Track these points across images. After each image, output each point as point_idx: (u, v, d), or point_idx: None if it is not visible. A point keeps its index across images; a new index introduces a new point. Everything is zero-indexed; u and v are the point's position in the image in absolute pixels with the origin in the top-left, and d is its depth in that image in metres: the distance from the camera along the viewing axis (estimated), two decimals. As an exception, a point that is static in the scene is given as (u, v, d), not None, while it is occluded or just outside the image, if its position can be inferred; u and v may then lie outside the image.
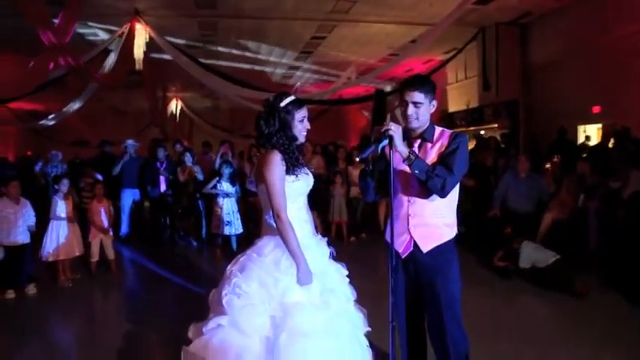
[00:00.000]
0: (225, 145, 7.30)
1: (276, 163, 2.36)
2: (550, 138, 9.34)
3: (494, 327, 3.83)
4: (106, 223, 5.60)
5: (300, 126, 2.48)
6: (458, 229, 2.56)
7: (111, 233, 5.72)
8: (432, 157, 2.47)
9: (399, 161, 2.43)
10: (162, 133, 14.83)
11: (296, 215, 2.42)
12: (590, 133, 9.81)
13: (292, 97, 2.49)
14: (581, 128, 10.08)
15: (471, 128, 12.50)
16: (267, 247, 2.41)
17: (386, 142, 2.30)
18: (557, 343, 3.55)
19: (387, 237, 2.51)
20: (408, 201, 2.50)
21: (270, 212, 2.39)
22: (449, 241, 2.47)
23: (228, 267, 2.45)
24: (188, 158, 6.95)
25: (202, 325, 2.36)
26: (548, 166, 6.83)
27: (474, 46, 11.62)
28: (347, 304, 2.46)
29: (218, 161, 6.91)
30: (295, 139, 2.47)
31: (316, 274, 2.34)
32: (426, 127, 2.50)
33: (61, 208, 5.30)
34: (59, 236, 5.23)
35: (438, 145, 2.48)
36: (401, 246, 2.50)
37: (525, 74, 11.27)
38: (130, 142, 7.27)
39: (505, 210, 5.84)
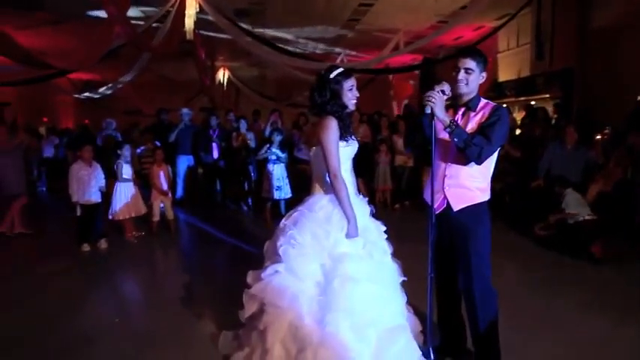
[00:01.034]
0: (275, 114, 7.67)
1: (333, 128, 2.68)
2: (606, 109, 9.11)
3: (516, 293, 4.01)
4: (165, 186, 6.13)
5: (350, 94, 2.78)
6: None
7: (170, 196, 6.26)
8: (472, 125, 2.70)
9: (440, 128, 2.69)
10: (211, 102, 15.43)
11: (345, 178, 2.74)
12: (650, 104, 9.44)
13: (341, 69, 2.81)
14: (640, 99, 9.71)
15: (521, 98, 12.24)
16: (319, 203, 2.75)
17: (428, 110, 2.55)
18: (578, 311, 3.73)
19: (426, 196, 2.82)
20: (446, 163, 2.77)
21: (324, 173, 2.73)
22: (480, 204, 2.71)
23: (282, 221, 2.81)
24: (243, 125, 7.36)
25: (260, 272, 2.76)
26: (598, 137, 6.78)
27: (528, 11, 11.27)
28: (385, 257, 2.79)
29: (268, 129, 7.30)
30: (345, 107, 2.78)
31: (360, 228, 2.68)
32: (472, 96, 2.73)
33: (127, 170, 5.87)
34: (126, 196, 5.82)
35: (479, 115, 2.71)
36: (435, 203, 2.78)
37: (582, 41, 10.86)
38: (185, 110, 7.78)
39: (549, 181, 5.91)
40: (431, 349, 2.79)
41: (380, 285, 2.63)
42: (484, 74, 2.73)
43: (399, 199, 7.56)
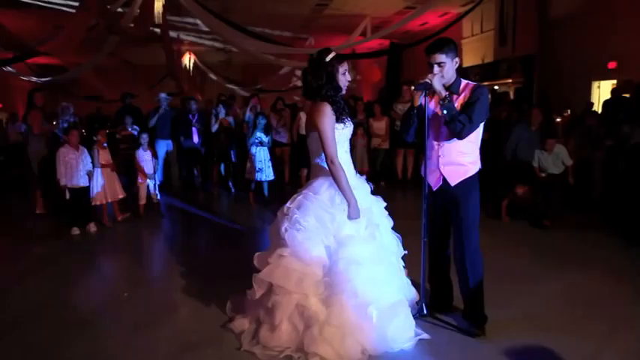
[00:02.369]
0: (254, 99, 7.89)
1: (328, 113, 2.89)
2: (563, 94, 9.81)
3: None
4: (150, 170, 6.29)
5: (343, 78, 3.02)
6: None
7: (155, 179, 6.42)
8: (457, 107, 3.07)
9: (431, 111, 3.07)
10: (177, 87, 15.34)
11: (344, 158, 3.00)
12: (604, 89, 10.26)
13: (334, 53, 2.99)
14: (595, 84, 10.52)
15: (485, 83, 12.86)
16: (322, 186, 2.99)
17: (428, 81, 2.90)
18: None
19: (422, 172, 3.21)
20: (438, 144, 3.14)
21: (322, 157, 2.96)
22: (473, 175, 3.11)
23: (287, 204, 3.03)
24: (221, 110, 7.55)
25: (267, 256, 3.02)
26: (558, 119, 7.40)
27: (491, -1, 11.86)
28: (387, 234, 3.12)
29: (248, 113, 7.54)
30: (340, 89, 3.01)
31: (363, 209, 2.94)
32: (452, 81, 3.08)
33: (103, 156, 5.95)
34: (102, 182, 5.92)
35: (462, 96, 3.08)
36: (432, 181, 3.17)
37: (543, 29, 11.55)
38: (163, 95, 7.89)
39: (515, 161, 6.45)
40: (424, 304, 3.23)
41: (381, 265, 2.95)
42: (457, 59, 3.06)
43: (374, 180, 7.97)
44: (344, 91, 3.06)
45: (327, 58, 2.94)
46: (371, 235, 2.97)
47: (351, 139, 7.78)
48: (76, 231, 5.59)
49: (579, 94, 9.85)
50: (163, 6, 10.97)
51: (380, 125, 7.76)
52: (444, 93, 2.96)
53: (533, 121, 6.32)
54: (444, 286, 3.43)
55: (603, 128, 6.30)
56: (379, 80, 17.46)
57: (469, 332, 3.10)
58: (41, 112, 6.71)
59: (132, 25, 9.94)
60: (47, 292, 4.01)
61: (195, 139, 7.71)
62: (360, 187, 3.07)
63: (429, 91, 3.01)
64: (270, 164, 6.84)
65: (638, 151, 5.63)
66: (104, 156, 5.87)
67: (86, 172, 5.65)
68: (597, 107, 9.86)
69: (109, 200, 5.94)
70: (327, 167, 2.95)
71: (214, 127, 7.59)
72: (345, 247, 2.86)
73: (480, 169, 3.16)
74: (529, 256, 4.65)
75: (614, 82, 10.00)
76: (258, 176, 6.72)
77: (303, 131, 7.74)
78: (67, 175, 5.50)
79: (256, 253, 3.15)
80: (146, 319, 3.46)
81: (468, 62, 14.04)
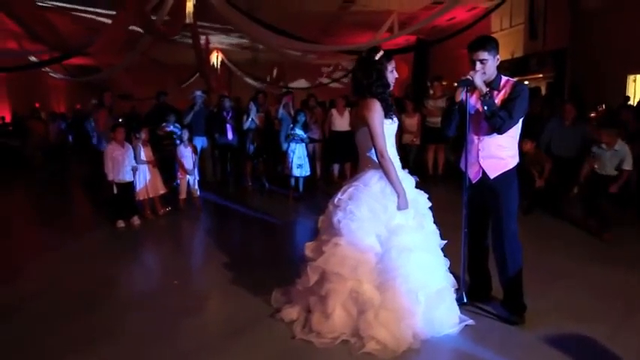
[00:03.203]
0: (287, 96, 8.09)
1: (378, 110, 3.08)
2: (597, 88, 9.73)
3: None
4: (191, 165, 6.56)
5: (391, 76, 3.20)
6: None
7: (196, 174, 6.69)
8: (497, 102, 3.21)
9: (472, 107, 3.21)
10: (206, 85, 15.71)
11: (391, 152, 3.18)
12: None
13: (382, 51, 3.18)
14: (630, 78, 10.38)
15: (515, 78, 12.79)
16: (373, 178, 3.17)
17: (470, 77, 3.05)
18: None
19: (461, 165, 3.35)
20: (478, 138, 3.29)
21: (372, 150, 3.15)
22: (512, 169, 3.25)
23: (338, 196, 3.22)
24: (253, 108, 7.78)
25: (321, 245, 3.19)
26: (593, 114, 7.39)
27: (520, -8, 11.80)
28: (431, 225, 3.27)
29: (281, 111, 7.75)
30: (389, 86, 3.19)
31: (410, 200, 3.12)
32: (493, 77, 3.23)
33: (146, 153, 6.24)
34: (145, 178, 6.18)
35: (502, 92, 3.23)
36: (472, 173, 3.31)
37: (574, 22, 11.44)
38: (198, 92, 8.17)
39: (550, 156, 6.50)
40: (464, 293, 3.38)
41: (429, 253, 3.13)
42: (498, 56, 3.22)
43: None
44: (391, 88, 3.23)
45: (377, 57, 3.12)
46: (419, 224, 3.16)
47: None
48: (121, 224, 5.90)
49: (614, 89, 9.74)
50: (194, 6, 11.34)
51: (412, 122, 7.88)
52: (485, 89, 3.10)
53: (566, 116, 6.36)
54: (483, 277, 3.57)
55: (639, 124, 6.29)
56: (406, 77, 17.49)
57: (508, 320, 3.24)
58: (107, 111, 7.16)
59: (165, 24, 10.29)
60: (102, 278, 4.31)
61: (230, 135, 7.96)
62: (406, 179, 3.25)
63: (471, 87, 3.16)
64: (307, 160, 7.04)
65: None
66: (147, 153, 6.15)
67: (131, 167, 5.94)
68: (633, 101, 9.76)
69: (151, 195, 6.23)
70: (376, 160, 3.14)
71: (246, 124, 7.82)
72: (397, 236, 3.05)
73: (518, 163, 3.29)
74: (560, 249, 4.75)
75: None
76: (298, 172, 6.93)
77: (335, 127, 7.93)
78: (114, 171, 5.81)
79: (307, 243, 3.34)
80: (194, 304, 3.71)
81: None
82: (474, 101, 3.25)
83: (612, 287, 3.84)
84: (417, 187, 3.36)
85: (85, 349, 3.05)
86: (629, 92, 10.40)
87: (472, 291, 3.55)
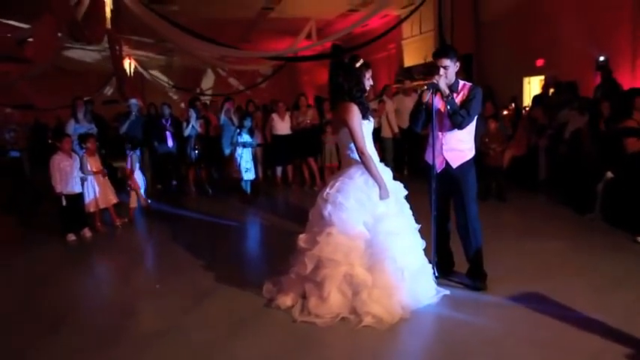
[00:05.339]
0: (229, 102, 8.27)
1: (356, 112, 3.51)
2: (501, 89, 11.06)
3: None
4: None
5: (367, 82, 3.67)
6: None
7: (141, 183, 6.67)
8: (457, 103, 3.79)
9: (435, 106, 3.77)
10: (120, 93, 15.18)
11: (370, 148, 3.60)
12: (534, 84, 11.66)
13: (362, 60, 3.65)
14: (526, 80, 11.90)
15: (428, 82, 14.01)
16: (357, 173, 3.58)
17: (435, 82, 3.61)
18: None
19: (427, 158, 3.90)
20: (442, 134, 3.86)
21: (353, 149, 3.57)
22: (469, 159, 3.85)
23: (327, 190, 3.59)
24: (193, 114, 7.87)
25: (315, 235, 3.54)
26: (505, 112, 8.48)
27: (428, 1, 12.96)
28: (408, 210, 3.77)
29: (223, 117, 7.93)
30: (365, 91, 3.66)
31: (390, 190, 3.58)
32: (453, 81, 3.82)
33: (90, 164, 6.12)
34: (93, 189, 6.07)
35: (461, 95, 3.83)
36: (437, 164, 3.87)
37: (477, 30, 12.83)
38: (133, 101, 8.07)
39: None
40: (434, 269, 3.93)
41: (410, 235, 3.63)
42: (457, 63, 3.83)
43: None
44: (366, 93, 3.69)
45: (357, 65, 3.57)
46: (400, 210, 3.65)
47: (321, 137, 8.39)
48: (72, 237, 5.76)
49: (513, 90, 11.12)
50: (112, 10, 11.05)
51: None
52: (447, 91, 3.67)
53: (486, 114, 7.27)
54: (447, 255, 4.15)
55: (547, 119, 7.40)
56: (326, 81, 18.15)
57: (475, 287, 3.85)
58: None
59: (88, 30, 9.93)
60: (84, 289, 4.35)
61: (170, 143, 7.97)
62: (384, 171, 3.71)
63: (435, 90, 3.71)
64: (253, 164, 7.31)
65: (575, 137, 6.73)
66: (94, 163, 6.06)
67: (80, 178, 5.83)
68: (527, 101, 11.23)
69: (102, 207, 6.14)
70: (357, 158, 3.57)
71: (187, 131, 7.90)
72: (382, 222, 3.50)
73: (474, 155, 3.91)
74: (501, 226, 5.56)
75: (542, 77, 11.43)
76: (246, 176, 7.16)
77: (276, 131, 8.27)
78: (63, 182, 5.67)
79: (300, 235, 3.68)
80: (188, 303, 3.88)
81: (410, 62, 15.13)
82: (437, 102, 3.81)
83: (548, 251, 4.67)
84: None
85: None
86: (525, 93, 11.95)
87: (439, 267, 4.11)
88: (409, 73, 14.51)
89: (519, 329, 3.21)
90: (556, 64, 10.71)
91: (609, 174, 5.35)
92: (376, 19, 15.68)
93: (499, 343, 3.05)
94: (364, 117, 3.59)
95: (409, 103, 8.94)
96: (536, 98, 8.96)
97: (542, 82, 11.22)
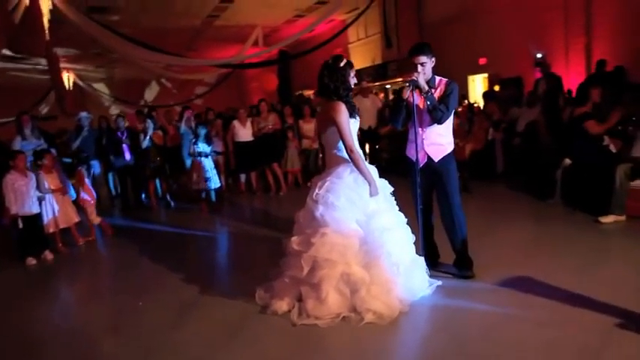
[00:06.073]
0: (188, 111, 8.04)
1: (344, 111, 3.52)
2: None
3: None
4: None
5: (352, 81, 3.68)
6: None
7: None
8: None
9: (416, 102, 3.85)
10: (60, 107, 14.44)
11: (356, 146, 3.64)
12: (478, 82, 12.20)
13: (346, 60, 3.67)
14: (470, 78, 12.43)
15: (377, 83, 14.34)
16: (345, 172, 3.58)
17: (414, 79, 3.67)
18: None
19: (409, 154, 3.96)
20: (422, 129, 3.93)
21: (340, 147, 3.58)
22: (450, 152, 3.96)
23: (316, 191, 3.55)
24: (150, 125, 7.59)
25: (309, 237, 3.49)
26: (460, 109, 8.79)
27: (374, 4, 13.26)
28: (396, 205, 3.81)
29: (183, 126, 7.71)
30: (351, 90, 3.68)
31: (379, 187, 3.60)
32: (430, 77, 3.91)
33: (49, 182, 5.76)
34: (52, 208, 5.71)
35: (438, 90, 3.93)
36: (419, 158, 3.94)
37: (422, 32, 13.26)
38: (84, 114, 7.67)
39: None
40: (423, 259, 3.99)
41: (402, 229, 3.67)
42: (433, 59, 3.93)
43: (307, 179, 8.64)
44: (352, 92, 3.71)
45: (341, 64, 3.58)
46: (390, 206, 3.69)
47: (284, 141, 8.39)
48: (31, 261, 5.38)
49: (460, 87, 11.57)
50: (49, 21, 10.50)
51: (309, 127, 8.43)
52: (426, 88, 3.76)
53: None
54: (432, 247, 4.23)
55: (501, 113, 7.75)
56: (276, 87, 18.15)
57: (464, 275, 3.95)
58: None
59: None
60: (57, 313, 4.03)
61: (127, 156, 7.64)
62: (372, 169, 3.71)
63: (415, 86, 3.78)
64: (215, 172, 7.14)
65: (530, 129, 7.09)
66: (53, 181, 5.70)
67: (37, 197, 5.46)
68: (474, 98, 11.72)
69: (62, 226, 5.77)
70: (345, 156, 3.57)
71: (145, 143, 7.62)
72: (375, 219, 3.51)
73: (453, 148, 4.02)
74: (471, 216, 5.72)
75: (486, 75, 11.99)
76: (209, 185, 6.98)
77: (238, 138, 8.13)
78: (18, 203, 5.29)
79: (292, 238, 3.61)
80: (176, 317, 3.71)
81: (358, 64, 15.34)
82: (416, 98, 3.88)
83: (520, 237, 4.89)
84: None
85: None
86: (470, 90, 12.46)
87: (426, 259, 4.18)
88: (359, 74, 14.70)
89: (514, 311, 3.33)
90: (497, 62, 11.29)
91: (567, 161, 5.67)
92: (322, 25, 15.84)
93: (499, 327, 3.14)
94: (351, 115, 3.60)
95: (367, 103, 9.11)
96: (486, 94, 9.36)
97: (487, 80, 11.78)
